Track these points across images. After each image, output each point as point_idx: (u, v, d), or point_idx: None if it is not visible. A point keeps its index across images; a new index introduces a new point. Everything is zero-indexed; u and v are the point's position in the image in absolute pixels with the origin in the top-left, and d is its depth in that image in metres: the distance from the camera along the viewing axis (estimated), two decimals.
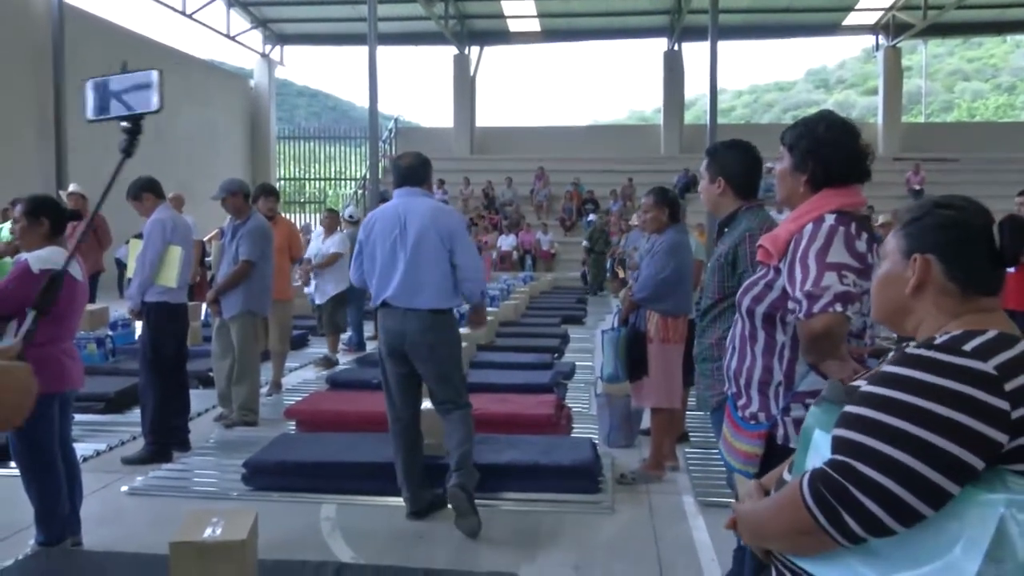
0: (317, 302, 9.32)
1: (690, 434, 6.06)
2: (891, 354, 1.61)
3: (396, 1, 22.81)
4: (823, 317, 2.26)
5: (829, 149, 2.49)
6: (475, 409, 5.99)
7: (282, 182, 31.14)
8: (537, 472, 4.86)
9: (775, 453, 2.43)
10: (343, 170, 31.93)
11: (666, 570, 4.03)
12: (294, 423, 6.39)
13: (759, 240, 2.59)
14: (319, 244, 9.29)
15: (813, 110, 2.86)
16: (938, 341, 1.43)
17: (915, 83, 46.70)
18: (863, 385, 1.47)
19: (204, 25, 24.91)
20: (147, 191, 5.78)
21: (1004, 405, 1.33)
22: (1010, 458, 1.35)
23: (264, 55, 28.62)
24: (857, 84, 72.77)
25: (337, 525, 4.53)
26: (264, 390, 7.65)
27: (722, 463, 2.85)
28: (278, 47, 29.01)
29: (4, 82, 17.09)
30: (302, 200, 31.59)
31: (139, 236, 5.81)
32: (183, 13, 23.59)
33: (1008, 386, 1.34)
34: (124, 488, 5.11)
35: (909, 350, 1.44)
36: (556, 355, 9.32)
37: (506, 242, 22.78)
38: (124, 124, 1.81)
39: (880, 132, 27.41)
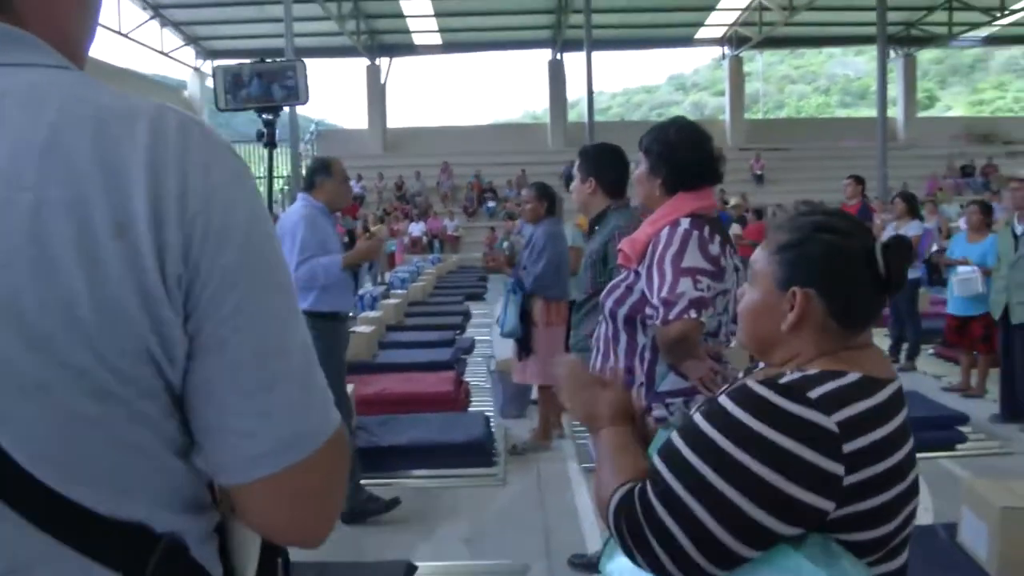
0: None
1: None
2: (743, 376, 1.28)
3: (312, 19, 21.79)
4: (678, 324, 1.93)
5: (680, 153, 2.15)
6: (381, 389, 5.63)
7: None
8: (435, 450, 4.47)
9: None
10: (274, 171, 30.62)
11: (551, 536, 3.71)
12: None
13: (619, 244, 2.25)
14: None
15: (674, 109, 2.55)
16: (784, 379, 1.07)
17: (754, 86, 47.67)
18: (696, 411, 1.13)
19: (139, 43, 23.40)
20: None
21: (837, 469, 1.00)
22: (838, 526, 1.02)
23: (196, 69, 27.10)
24: (708, 87, 74.02)
25: None
26: None
27: None
28: (208, 61, 27.50)
29: None
30: None
31: None
32: (119, 32, 22.06)
33: (848, 447, 1.00)
34: None
35: (751, 383, 1.08)
36: (458, 331, 8.93)
37: (416, 228, 22.18)
38: (265, 116, 1.39)
39: (728, 127, 27.73)
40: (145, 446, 0.66)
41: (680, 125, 2.22)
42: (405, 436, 4.57)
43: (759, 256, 1.23)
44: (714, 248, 2.04)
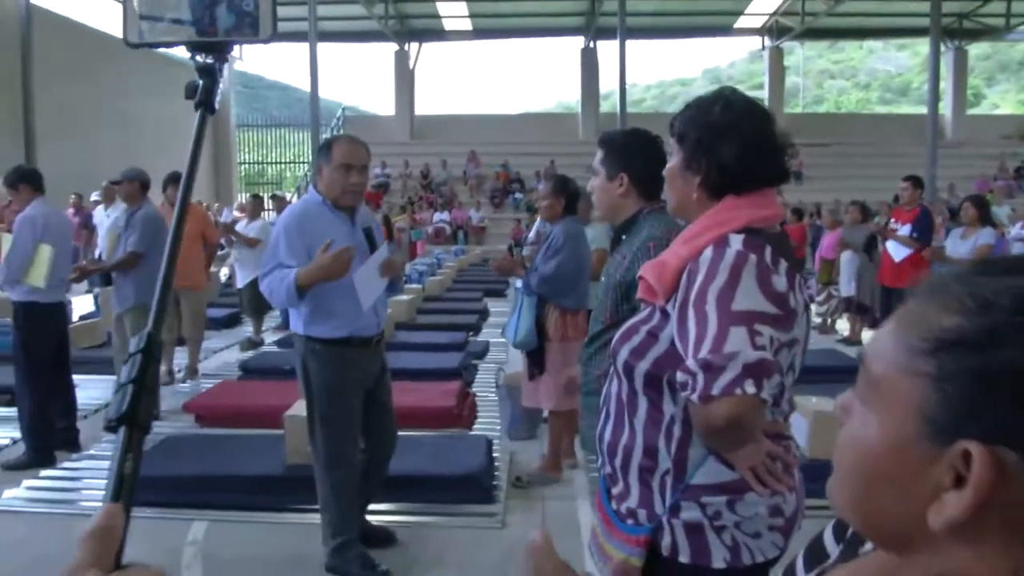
0: (238, 286, 8.16)
1: None
2: None
3: (340, 3, 21.27)
4: (727, 402, 1.26)
5: (728, 140, 1.48)
6: None
7: (244, 166, 29.56)
8: (426, 483, 3.86)
9: (659, 568, 1.48)
10: (300, 154, 30.29)
11: None
12: (194, 418, 5.31)
13: (639, 270, 1.57)
14: (242, 230, 8.09)
15: None
16: None
17: (792, 80, 46.53)
18: None
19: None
20: (24, 182, 4.57)
21: None
22: None
23: None
24: (744, 81, 72.78)
25: (201, 551, 3.50)
26: (180, 375, 6.57)
27: None
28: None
29: None
30: (262, 182, 29.93)
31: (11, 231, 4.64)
32: None
33: None
34: None
35: None
36: (472, 332, 8.31)
37: (440, 218, 21.63)
38: (203, 57, 0.79)
39: None
40: None
41: (728, 100, 1.54)
42: (393, 465, 3.95)
43: (886, 348, 0.59)
44: (779, 281, 1.39)
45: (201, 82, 0.86)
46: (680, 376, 1.32)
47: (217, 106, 0.93)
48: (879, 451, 0.59)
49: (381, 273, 3.10)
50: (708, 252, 1.42)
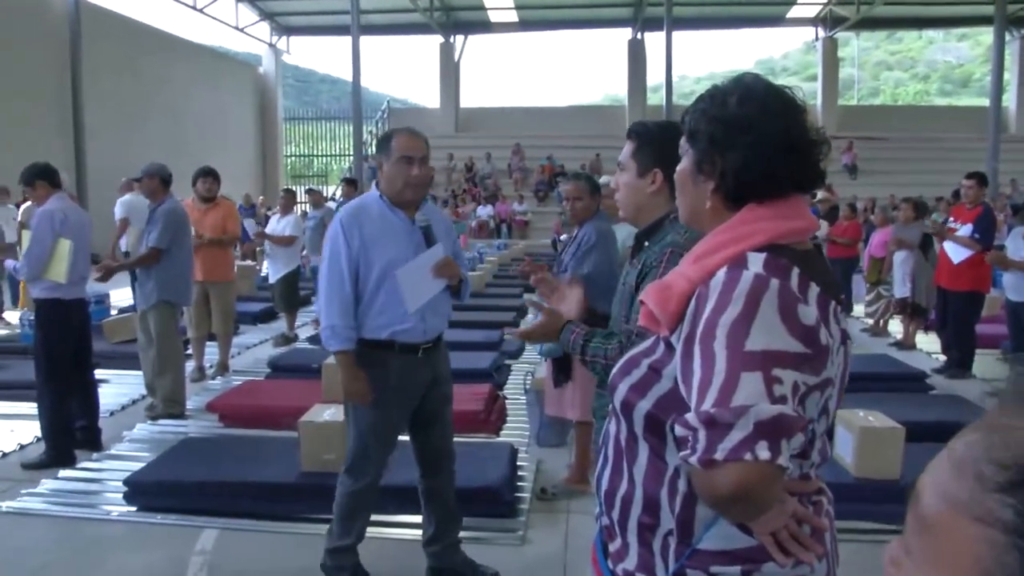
0: (270, 281, 8.09)
1: None
2: None
3: None
4: (733, 470, 1.02)
5: (746, 137, 1.22)
6: None
7: (291, 159, 29.80)
8: None
9: None
10: (346, 147, 30.46)
11: None
12: (218, 417, 5.21)
13: (641, 295, 1.32)
14: (275, 224, 8.01)
15: None
16: None
17: (847, 72, 45.34)
18: None
19: (214, 19, 23.24)
20: (41, 178, 4.50)
21: None
22: None
23: (271, 45, 26.93)
24: (799, 72, 71.21)
25: (208, 561, 3.36)
26: (211, 372, 6.50)
27: None
28: (284, 37, 27.31)
29: (26, 76, 15.65)
30: (309, 174, 30.15)
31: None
32: (194, 7, 21.92)
33: None
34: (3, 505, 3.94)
35: None
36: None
37: (484, 212, 21.46)
38: None
39: (820, 113, 26.05)
40: None
41: (748, 88, 1.26)
42: (406, 474, 3.77)
43: (942, 477, 0.41)
44: (807, 312, 1.14)
45: None
46: (679, 431, 1.08)
47: None
48: None
49: (434, 274, 2.87)
50: (720, 275, 1.18)
